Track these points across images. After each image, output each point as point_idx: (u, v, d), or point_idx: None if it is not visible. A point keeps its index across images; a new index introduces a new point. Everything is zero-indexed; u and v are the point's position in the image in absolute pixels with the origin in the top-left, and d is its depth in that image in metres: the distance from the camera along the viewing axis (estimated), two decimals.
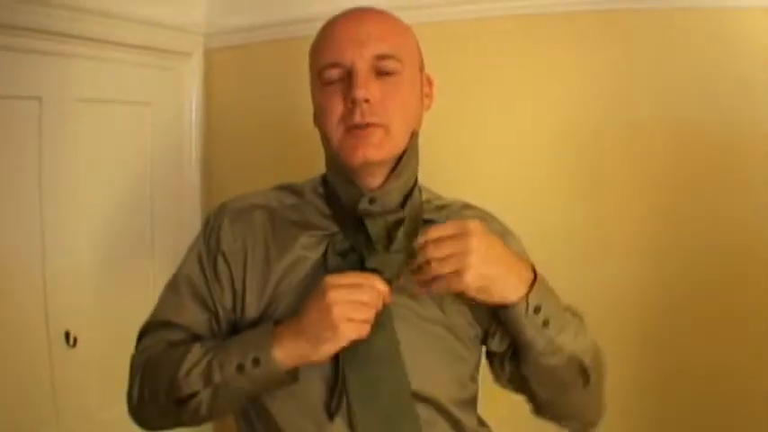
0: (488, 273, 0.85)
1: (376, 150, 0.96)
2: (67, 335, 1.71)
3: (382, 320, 0.91)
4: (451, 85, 1.63)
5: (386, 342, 0.94)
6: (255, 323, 0.98)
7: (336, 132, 0.98)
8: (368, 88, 0.94)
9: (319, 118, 1.02)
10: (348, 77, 0.96)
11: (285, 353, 0.87)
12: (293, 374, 0.90)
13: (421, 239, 0.86)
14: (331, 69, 0.97)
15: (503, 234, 1.04)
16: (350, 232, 1.00)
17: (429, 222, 1.02)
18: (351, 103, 0.95)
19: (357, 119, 0.94)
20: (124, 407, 1.01)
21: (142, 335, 1.05)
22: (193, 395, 0.90)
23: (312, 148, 1.73)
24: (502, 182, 1.68)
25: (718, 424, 1.51)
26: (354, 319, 0.85)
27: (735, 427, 1.50)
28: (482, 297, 0.87)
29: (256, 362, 0.87)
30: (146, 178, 2.01)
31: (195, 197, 2.17)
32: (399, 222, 0.98)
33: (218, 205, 1.10)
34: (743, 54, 1.48)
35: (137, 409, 0.99)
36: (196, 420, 0.95)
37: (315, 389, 0.94)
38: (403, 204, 1.01)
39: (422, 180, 1.09)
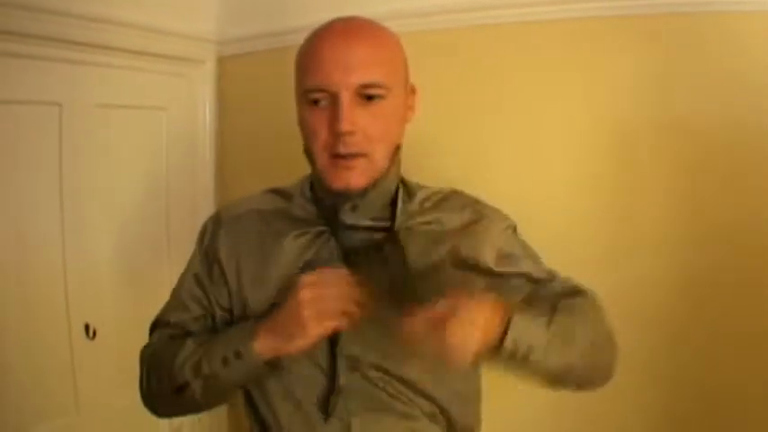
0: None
1: (359, 179, 1.00)
2: (87, 327, 1.81)
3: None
4: (477, 86, 1.68)
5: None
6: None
7: (321, 158, 1.01)
8: (352, 119, 0.96)
9: (304, 137, 1.04)
10: (333, 104, 0.97)
11: (263, 346, 0.96)
12: (274, 364, 0.98)
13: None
14: (317, 93, 0.98)
15: (490, 217, 1.10)
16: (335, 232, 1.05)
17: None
18: (335, 134, 0.97)
19: (341, 149, 0.97)
20: (139, 394, 1.11)
21: (152, 331, 1.16)
22: (187, 384, 1.00)
23: None
24: (522, 181, 1.66)
25: None
26: (324, 314, 0.91)
27: None
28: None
29: (238, 355, 0.96)
30: (161, 179, 2.10)
31: (209, 198, 2.25)
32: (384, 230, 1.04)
33: (213, 214, 1.18)
34: None
35: (146, 397, 1.09)
36: (196, 407, 1.06)
37: (311, 392, 1.02)
38: (392, 214, 1.06)
39: (432, 180, 1.13)
